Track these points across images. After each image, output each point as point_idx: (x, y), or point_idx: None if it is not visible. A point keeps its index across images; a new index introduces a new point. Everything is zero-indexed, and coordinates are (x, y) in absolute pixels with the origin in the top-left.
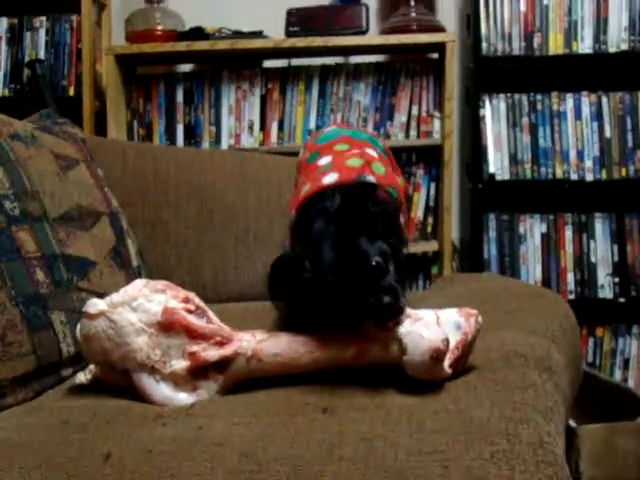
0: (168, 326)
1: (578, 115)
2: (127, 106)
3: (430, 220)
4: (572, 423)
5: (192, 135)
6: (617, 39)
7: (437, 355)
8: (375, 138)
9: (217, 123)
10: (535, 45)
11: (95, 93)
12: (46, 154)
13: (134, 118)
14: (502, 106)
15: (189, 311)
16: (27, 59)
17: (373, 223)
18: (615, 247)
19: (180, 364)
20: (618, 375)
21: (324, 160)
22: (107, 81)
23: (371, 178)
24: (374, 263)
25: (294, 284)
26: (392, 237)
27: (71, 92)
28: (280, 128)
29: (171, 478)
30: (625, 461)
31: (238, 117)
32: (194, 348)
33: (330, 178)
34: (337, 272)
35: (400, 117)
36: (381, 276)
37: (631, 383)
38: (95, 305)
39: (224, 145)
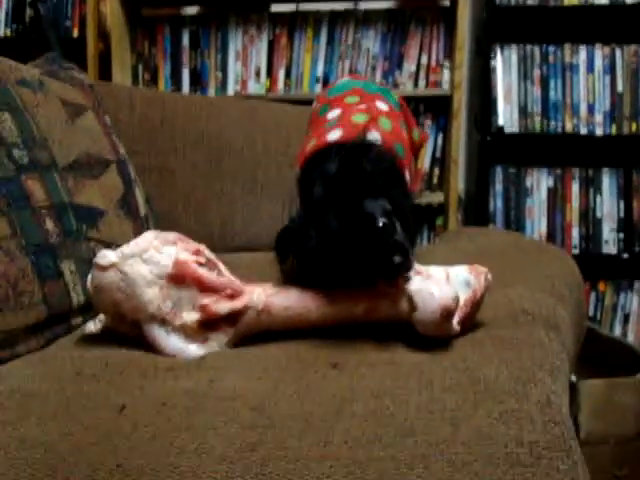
0: (179, 278)
1: (590, 68)
2: (132, 49)
3: (436, 171)
4: (572, 377)
5: (198, 80)
6: None
7: (447, 312)
8: (388, 90)
9: (223, 69)
10: None
11: (99, 35)
12: (54, 101)
13: (139, 62)
14: (513, 57)
15: (200, 264)
16: None
17: (373, 182)
18: (621, 203)
19: (191, 316)
20: (618, 330)
21: (332, 113)
22: (111, 23)
23: (375, 135)
24: (380, 224)
25: (301, 253)
26: (395, 193)
27: (75, 33)
28: (287, 75)
29: (186, 431)
30: (623, 415)
31: (245, 63)
32: (205, 301)
33: (334, 135)
34: (344, 238)
35: (409, 66)
36: (389, 236)
37: (631, 338)
38: (106, 257)
39: (230, 91)
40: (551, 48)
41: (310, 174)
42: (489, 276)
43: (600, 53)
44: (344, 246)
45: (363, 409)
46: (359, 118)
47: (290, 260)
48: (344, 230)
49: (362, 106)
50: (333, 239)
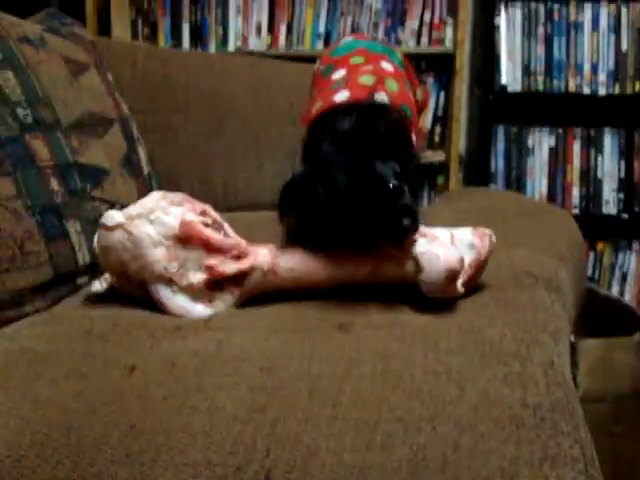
0: (185, 239)
1: (595, 26)
2: (131, 3)
3: (438, 130)
4: (571, 337)
5: (199, 36)
6: None
7: (452, 274)
8: (393, 50)
9: (224, 24)
10: None
11: None
12: (56, 58)
13: (138, 16)
14: (518, 15)
15: (206, 224)
16: None
17: (385, 144)
18: (622, 163)
19: (197, 277)
20: (615, 289)
21: (338, 74)
22: None
23: (382, 96)
24: (391, 186)
25: (306, 208)
26: (404, 156)
27: None
28: (289, 31)
29: (196, 392)
30: (621, 374)
31: (246, 18)
32: (211, 261)
33: (341, 96)
34: (353, 197)
35: (412, 23)
36: (399, 198)
37: (627, 297)
38: (112, 217)
39: (231, 47)
40: (556, 6)
41: (318, 134)
42: (493, 238)
43: (605, 11)
44: (352, 205)
45: (370, 371)
46: (366, 79)
47: (289, 218)
48: (354, 188)
49: (368, 67)
50: (342, 196)
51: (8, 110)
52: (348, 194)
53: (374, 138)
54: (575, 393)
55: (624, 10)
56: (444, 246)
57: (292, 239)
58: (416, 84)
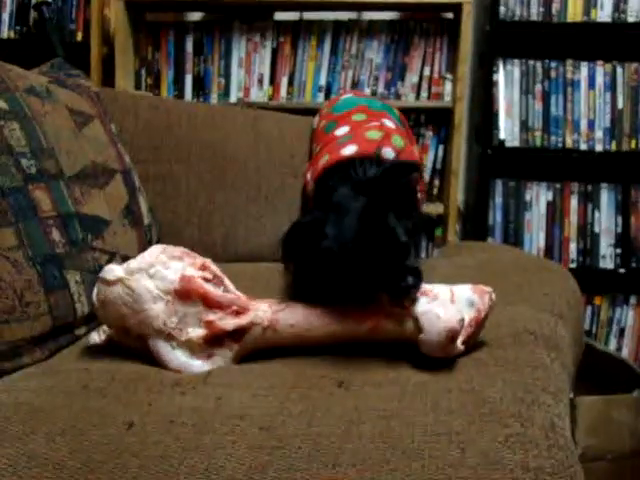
0: (185, 294)
1: (592, 84)
2: (135, 54)
3: (436, 183)
4: (570, 394)
5: (201, 86)
6: (637, 8)
7: (452, 335)
8: (390, 107)
9: (226, 75)
10: (554, 11)
11: (103, 39)
12: (61, 110)
13: (142, 66)
14: (516, 72)
15: (206, 279)
16: (34, 1)
17: (401, 199)
18: (619, 218)
19: (196, 332)
20: (613, 344)
21: (342, 130)
22: (115, 27)
23: (389, 151)
24: (402, 241)
25: (311, 252)
26: (414, 214)
27: (79, 37)
28: (290, 83)
29: (195, 450)
30: (619, 432)
31: (248, 70)
32: (210, 317)
33: (349, 150)
34: (362, 244)
35: (412, 77)
36: (407, 255)
37: (625, 352)
38: (112, 271)
39: (233, 98)
40: (553, 64)
41: (327, 184)
42: (493, 296)
43: (601, 70)
44: (360, 252)
45: (370, 431)
46: (373, 134)
47: (293, 260)
48: (364, 236)
49: (373, 123)
50: (350, 242)
51: (12, 160)
52: (358, 241)
53: (397, 193)
54: (576, 455)
55: (619, 70)
56: (444, 306)
57: (293, 283)
58: (413, 141)
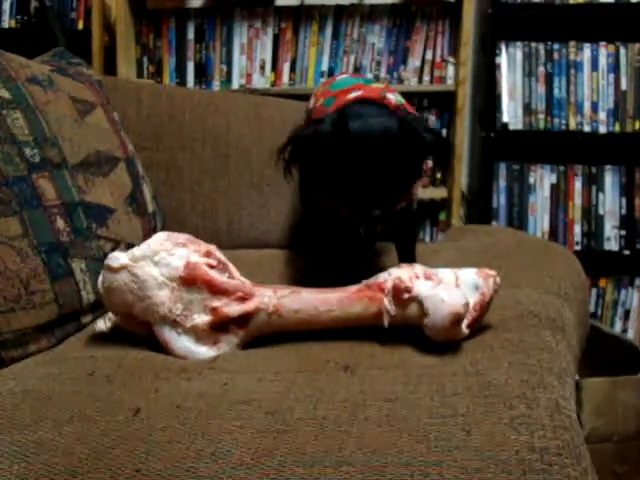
0: (190, 281)
1: (595, 66)
2: (137, 42)
3: (440, 167)
4: (575, 376)
5: (203, 73)
6: None
7: (457, 319)
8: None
9: (228, 62)
10: None
11: (104, 27)
12: (64, 98)
13: (144, 54)
14: (518, 54)
15: (211, 266)
16: None
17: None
18: (623, 200)
19: (202, 318)
20: (618, 326)
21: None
22: (116, 15)
23: (393, 96)
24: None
25: (332, 145)
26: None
27: (80, 26)
28: (292, 69)
29: (202, 436)
30: (625, 414)
31: (250, 56)
32: (216, 303)
33: (354, 94)
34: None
35: (414, 61)
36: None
37: (631, 334)
38: (117, 259)
39: (235, 85)
40: (556, 46)
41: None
42: (498, 279)
43: (604, 51)
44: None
45: (376, 414)
46: (376, 85)
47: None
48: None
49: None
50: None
51: (16, 150)
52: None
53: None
54: (582, 436)
55: (622, 51)
56: (449, 289)
57: (297, 272)
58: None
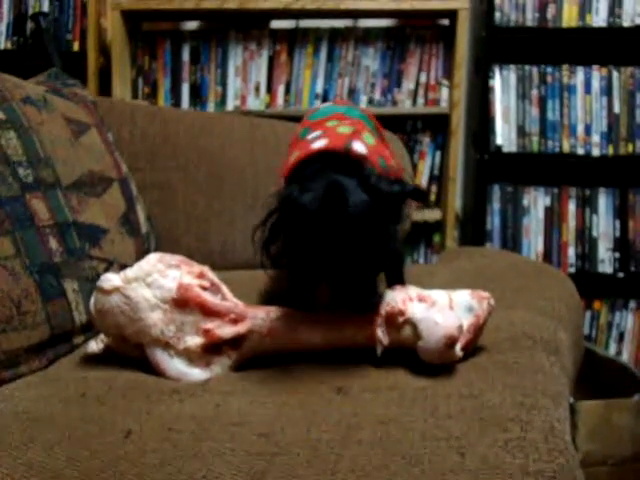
0: (183, 302)
1: (588, 89)
2: (132, 63)
3: (434, 189)
4: (570, 398)
5: (198, 95)
6: (632, 13)
7: (451, 342)
8: (369, 118)
9: (223, 84)
10: (549, 16)
11: (100, 49)
12: (58, 119)
13: (139, 76)
14: (512, 77)
15: (204, 287)
16: (31, 11)
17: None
18: (617, 222)
19: (194, 340)
20: (613, 348)
21: (314, 134)
22: (112, 37)
23: (359, 145)
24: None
25: (298, 210)
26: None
27: (75, 47)
28: (287, 91)
29: (193, 458)
30: (620, 437)
31: (244, 78)
32: (208, 325)
33: (319, 144)
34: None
35: (408, 84)
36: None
37: (625, 356)
38: (110, 280)
39: (230, 107)
40: (549, 69)
41: (299, 177)
42: (492, 301)
43: (598, 74)
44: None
45: (369, 436)
46: (344, 129)
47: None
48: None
49: (346, 122)
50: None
51: (9, 170)
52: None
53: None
54: (577, 459)
55: (615, 74)
56: (442, 311)
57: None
58: (393, 154)
